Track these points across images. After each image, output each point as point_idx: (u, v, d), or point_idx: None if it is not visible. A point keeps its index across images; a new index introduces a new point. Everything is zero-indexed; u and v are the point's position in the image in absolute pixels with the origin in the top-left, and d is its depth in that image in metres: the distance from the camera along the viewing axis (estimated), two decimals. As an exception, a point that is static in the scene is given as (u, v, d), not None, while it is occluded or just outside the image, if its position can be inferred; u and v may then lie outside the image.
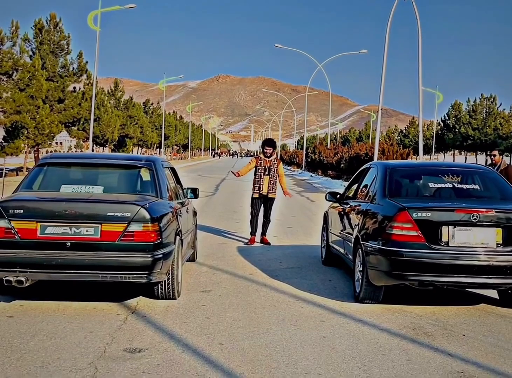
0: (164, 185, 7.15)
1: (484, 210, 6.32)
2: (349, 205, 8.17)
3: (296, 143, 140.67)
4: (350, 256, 7.62)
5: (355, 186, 8.66)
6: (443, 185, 7.17)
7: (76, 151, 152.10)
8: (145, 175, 7.21)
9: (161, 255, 6.16)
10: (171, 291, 6.70)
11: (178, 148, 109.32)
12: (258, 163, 11.36)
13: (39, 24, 37.46)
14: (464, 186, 7.19)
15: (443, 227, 6.28)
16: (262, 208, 11.50)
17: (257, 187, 11.31)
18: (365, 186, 7.99)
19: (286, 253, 10.34)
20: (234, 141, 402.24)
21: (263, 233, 11.52)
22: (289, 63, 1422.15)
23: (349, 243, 7.72)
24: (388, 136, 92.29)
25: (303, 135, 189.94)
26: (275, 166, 11.36)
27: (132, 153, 65.15)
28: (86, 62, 39.28)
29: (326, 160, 43.72)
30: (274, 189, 11.37)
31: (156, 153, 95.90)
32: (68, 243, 5.98)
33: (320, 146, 49.55)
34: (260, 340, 5.47)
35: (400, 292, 7.51)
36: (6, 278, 5.93)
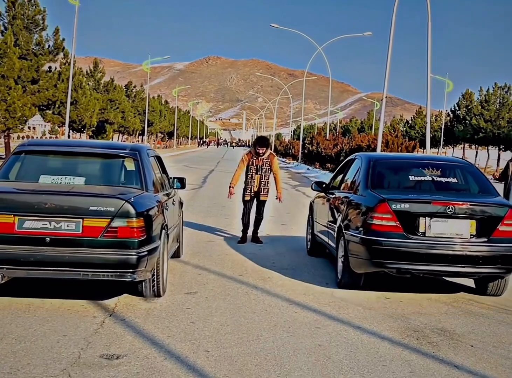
0: (150, 177, 7.23)
1: (460, 202, 7.15)
2: (334, 195, 8.99)
3: (292, 133, 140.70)
4: (333, 245, 8.43)
5: (340, 177, 9.49)
6: (423, 178, 7.98)
7: (51, 137, 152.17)
8: (130, 165, 7.26)
9: (146, 252, 6.23)
10: (155, 289, 6.80)
11: (162, 135, 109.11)
12: (250, 162, 11.22)
13: (12, -3, 37.21)
14: (443, 179, 7.98)
15: (420, 218, 7.10)
16: (254, 204, 11.45)
17: (249, 189, 11.24)
18: (350, 177, 8.83)
19: (279, 253, 10.36)
20: (224, 129, 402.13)
21: (255, 231, 11.49)
22: (285, 45, 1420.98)
23: (332, 232, 8.52)
24: (393, 127, 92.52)
25: (300, 124, 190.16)
26: (267, 165, 11.18)
27: (112, 140, 64.97)
28: (63, 39, 39.07)
29: (325, 152, 43.70)
30: (265, 191, 11.24)
31: (138, 141, 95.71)
32: (48, 239, 6.03)
33: (318, 137, 49.50)
34: (250, 348, 5.48)
35: (403, 298, 7.54)
36: None
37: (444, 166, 8.29)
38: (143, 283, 6.68)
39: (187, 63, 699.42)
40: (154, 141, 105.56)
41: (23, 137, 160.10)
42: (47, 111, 42.22)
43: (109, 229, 6.05)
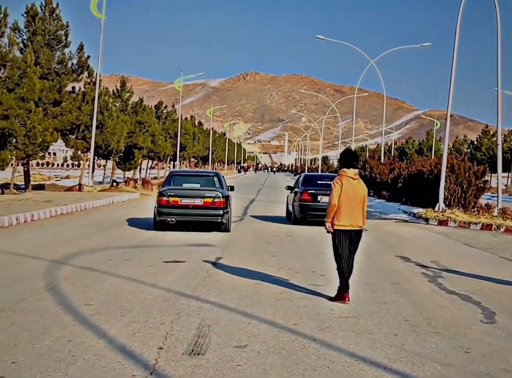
0: (224, 183, 20.12)
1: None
2: (294, 190, 23.66)
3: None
4: (291, 208, 23.40)
5: (295, 183, 25.21)
6: (321, 182, 23.18)
7: (73, 164, 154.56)
8: (215, 179, 20.14)
9: (226, 211, 18.83)
10: (227, 227, 19.20)
11: (196, 160, 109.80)
12: (344, 184, 10.00)
13: (32, 11, 37.94)
14: (329, 182, 14.96)
15: (318, 195, 22.25)
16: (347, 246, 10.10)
17: (344, 218, 9.97)
18: (298, 182, 24.22)
19: (337, 297, 10.15)
20: (263, 153, 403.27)
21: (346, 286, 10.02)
22: (331, 58, 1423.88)
23: (291, 204, 23.50)
24: (456, 149, 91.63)
25: (349, 146, 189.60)
26: (362, 188, 10.16)
27: (141, 166, 65.63)
28: (88, 56, 39.71)
29: (380, 177, 43.42)
30: (362, 218, 10.15)
31: (169, 167, 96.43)
32: (190, 206, 18.72)
33: (371, 160, 49.14)
34: (314, 414, 5.31)
35: (485, 351, 7.31)
36: (167, 220, 18.46)
37: (330, 176, 23.40)
38: (223, 225, 19.01)
39: (222, 80, 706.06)
40: (187, 167, 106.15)
41: (42, 164, 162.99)
42: (70, 135, 42.73)
43: (212, 202, 18.66)
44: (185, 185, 19.59)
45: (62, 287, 10.08)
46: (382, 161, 48.26)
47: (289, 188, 25.19)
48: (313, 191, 22.30)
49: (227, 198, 19.24)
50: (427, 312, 9.36)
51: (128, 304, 9.04)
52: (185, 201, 18.69)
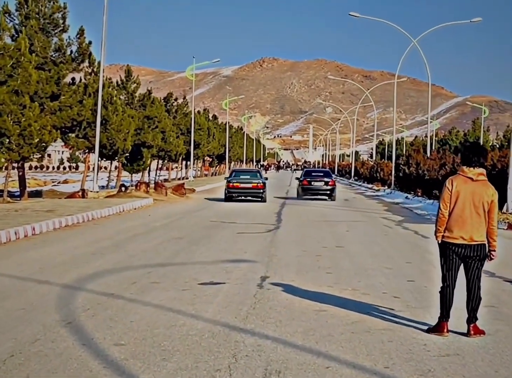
0: (263, 176, 43.48)
1: (321, 178, 45.81)
2: (299, 180, 46.62)
3: (375, 151, 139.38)
4: (297, 189, 46.82)
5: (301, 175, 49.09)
6: (314, 174, 47.99)
7: (70, 166, 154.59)
8: (258, 174, 43.36)
9: (264, 190, 40.51)
10: (265, 199, 40.16)
11: (210, 160, 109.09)
12: (455, 186, 8.87)
13: (24, -9, 37.19)
14: (319, 173, 48.27)
15: (312, 181, 45.42)
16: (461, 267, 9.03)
17: (454, 228, 8.87)
18: (301, 174, 48.74)
19: (423, 328, 9.15)
20: (284, 149, 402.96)
21: (472, 317, 8.94)
22: (359, 40, 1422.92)
23: (298, 187, 46.62)
24: (508, 139, 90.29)
25: (383, 139, 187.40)
26: (486, 193, 8.84)
27: (150, 167, 65.01)
28: (90, 42, 38.92)
29: (429, 175, 42.45)
30: (481, 232, 8.87)
31: (181, 168, 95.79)
32: (245, 188, 40.47)
33: (417, 155, 48.25)
34: None
35: None
36: (233, 195, 40.41)
37: (320, 170, 56.29)
38: (262, 198, 40.13)
39: (235, 67, 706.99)
40: (199, 168, 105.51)
41: (35, 168, 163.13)
42: (70, 134, 41.94)
43: (256, 186, 40.13)
44: (241, 177, 40.38)
45: (82, 322, 9.15)
46: (431, 156, 47.26)
47: (297, 178, 46.64)
48: (309, 179, 44.40)
49: (264, 183, 39.39)
50: (546, 346, 8.38)
51: (169, 343, 8.10)
52: (242, 185, 39.09)
